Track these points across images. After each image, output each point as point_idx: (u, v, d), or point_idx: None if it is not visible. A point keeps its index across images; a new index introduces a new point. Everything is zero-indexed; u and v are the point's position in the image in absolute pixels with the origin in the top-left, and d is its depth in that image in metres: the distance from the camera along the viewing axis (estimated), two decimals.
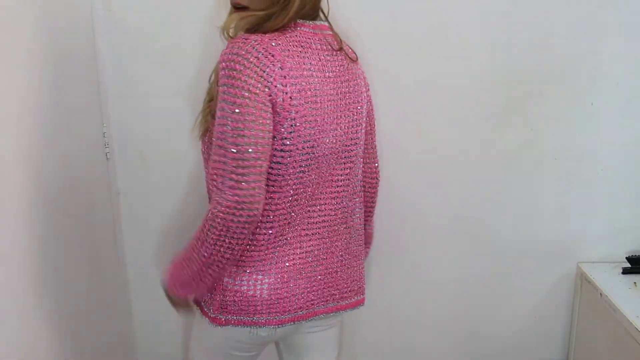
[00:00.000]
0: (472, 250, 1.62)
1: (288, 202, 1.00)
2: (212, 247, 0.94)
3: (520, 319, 1.68)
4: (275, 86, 0.91)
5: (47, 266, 1.17)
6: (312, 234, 1.06)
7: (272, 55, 0.91)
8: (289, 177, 0.98)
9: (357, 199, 1.14)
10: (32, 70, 1.13)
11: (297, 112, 0.94)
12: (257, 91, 0.89)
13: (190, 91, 1.45)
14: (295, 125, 0.94)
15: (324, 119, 0.98)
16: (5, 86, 1.03)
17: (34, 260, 1.12)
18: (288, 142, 0.95)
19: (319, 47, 1.00)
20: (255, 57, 0.90)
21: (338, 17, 1.40)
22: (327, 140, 1.00)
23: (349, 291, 1.15)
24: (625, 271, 1.54)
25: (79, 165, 1.35)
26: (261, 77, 0.90)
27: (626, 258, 1.56)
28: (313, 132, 0.97)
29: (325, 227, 1.07)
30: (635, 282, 1.49)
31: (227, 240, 0.93)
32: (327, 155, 1.02)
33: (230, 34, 1.01)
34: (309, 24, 1.00)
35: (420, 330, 1.70)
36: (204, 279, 1.01)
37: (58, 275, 1.23)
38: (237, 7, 1.00)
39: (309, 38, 0.99)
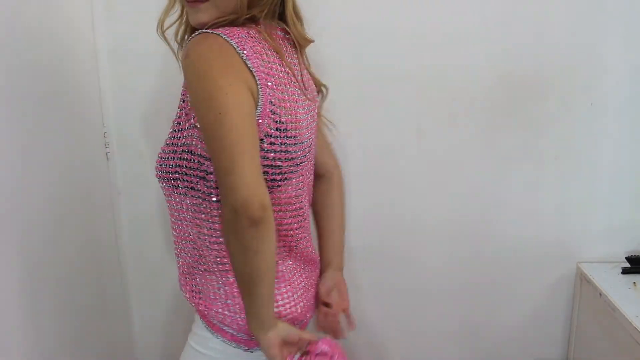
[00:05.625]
0: (472, 250, 1.62)
1: None
2: None
3: (519, 319, 1.68)
4: None
5: (46, 266, 1.17)
6: None
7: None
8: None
9: None
10: (32, 70, 1.13)
11: None
12: None
13: None
14: None
15: None
16: (5, 86, 1.03)
17: (33, 260, 1.12)
18: None
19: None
20: None
21: (337, 15, 1.41)
22: None
23: None
24: (625, 271, 1.54)
25: (79, 165, 1.35)
26: None
27: (626, 258, 1.56)
28: None
29: None
30: (634, 282, 1.49)
31: None
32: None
33: None
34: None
35: (420, 330, 1.70)
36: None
37: (58, 275, 1.23)
38: None
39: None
